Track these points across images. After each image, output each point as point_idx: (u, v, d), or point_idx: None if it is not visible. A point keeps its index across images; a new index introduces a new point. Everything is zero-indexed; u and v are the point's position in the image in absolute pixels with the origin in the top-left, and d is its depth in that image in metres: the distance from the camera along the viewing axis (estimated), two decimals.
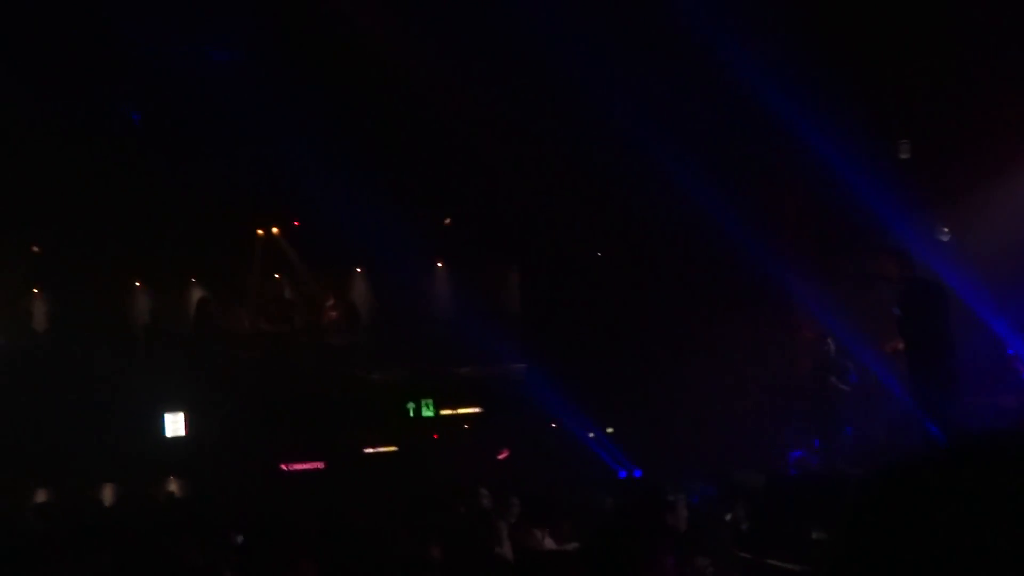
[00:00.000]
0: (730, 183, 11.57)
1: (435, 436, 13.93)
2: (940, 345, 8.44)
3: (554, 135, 12.32)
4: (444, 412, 14.13)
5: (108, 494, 11.88)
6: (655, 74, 10.98)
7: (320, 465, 13.25)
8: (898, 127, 11.79)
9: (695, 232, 12.35)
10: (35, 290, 16.65)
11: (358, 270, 17.04)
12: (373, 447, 13.62)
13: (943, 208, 11.79)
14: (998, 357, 11.37)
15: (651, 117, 11.20)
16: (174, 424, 13.83)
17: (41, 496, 11.47)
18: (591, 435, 12.65)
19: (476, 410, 14.21)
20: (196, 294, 16.27)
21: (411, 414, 14.08)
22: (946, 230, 11.82)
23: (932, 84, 11.42)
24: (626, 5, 10.74)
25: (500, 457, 13.23)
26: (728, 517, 8.27)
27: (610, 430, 12.68)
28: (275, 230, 16.70)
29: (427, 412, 14.09)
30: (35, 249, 15.88)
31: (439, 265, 16.62)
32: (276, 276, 16.97)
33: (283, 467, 13.16)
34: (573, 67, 10.97)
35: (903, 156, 11.73)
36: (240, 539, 8.19)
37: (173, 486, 12.56)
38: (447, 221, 15.61)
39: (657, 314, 13.32)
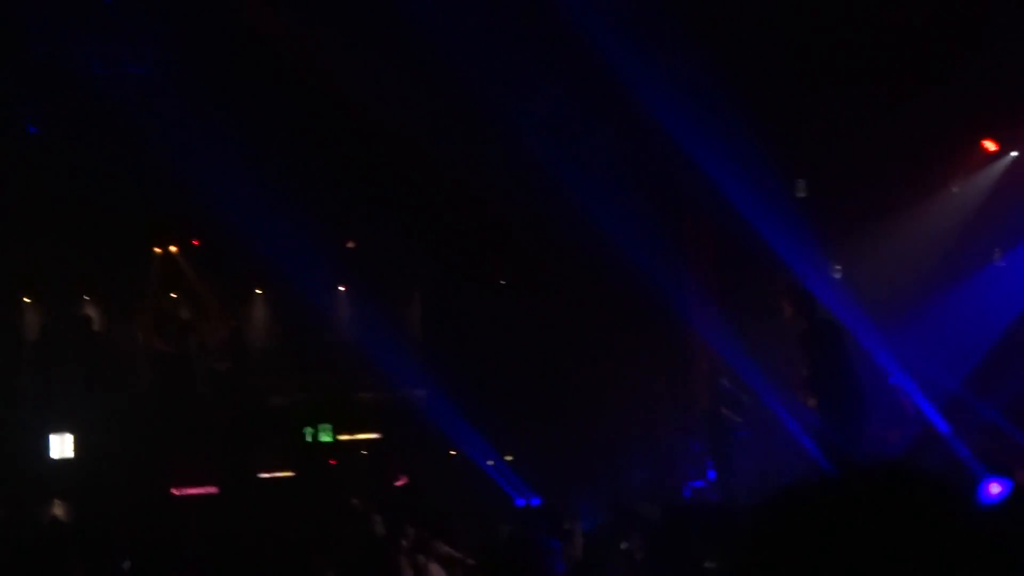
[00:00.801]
0: (634, 216, 11.76)
1: (332, 462, 13.80)
2: (844, 380, 8.65)
3: (459, 160, 12.37)
4: (342, 437, 14.00)
5: None
6: (564, 102, 11.13)
7: (213, 490, 12.99)
8: (795, 166, 12.15)
9: (597, 262, 12.50)
10: None
11: (258, 291, 16.81)
12: (268, 472, 13.41)
13: (834, 246, 12.17)
14: (882, 390, 11.75)
15: (559, 146, 11.34)
16: (61, 445, 13.41)
17: None
18: (490, 462, 12.66)
19: (375, 436, 14.11)
20: (89, 311, 15.84)
21: (308, 439, 13.92)
22: (838, 267, 12.20)
23: (827, 126, 11.82)
24: (532, 31, 10.87)
25: (397, 484, 13.15)
26: (623, 546, 8.36)
27: (509, 458, 12.71)
28: (173, 248, 16.39)
29: (325, 437, 13.94)
30: None
31: (341, 288, 16.50)
32: (172, 295, 16.64)
33: (174, 491, 12.86)
34: (480, 92, 11.05)
35: (799, 195, 12.08)
36: (127, 564, 7.99)
37: (59, 509, 12.16)
38: (350, 244, 15.52)
39: (558, 343, 13.44)
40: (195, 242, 16.23)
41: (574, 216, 11.72)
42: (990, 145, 13.23)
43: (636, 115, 10.88)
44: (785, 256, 10.85)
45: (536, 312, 13.49)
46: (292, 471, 13.44)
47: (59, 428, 13.40)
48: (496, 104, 11.08)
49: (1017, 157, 13.08)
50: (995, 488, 7.96)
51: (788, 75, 11.01)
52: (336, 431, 13.93)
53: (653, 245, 11.85)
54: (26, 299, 16.22)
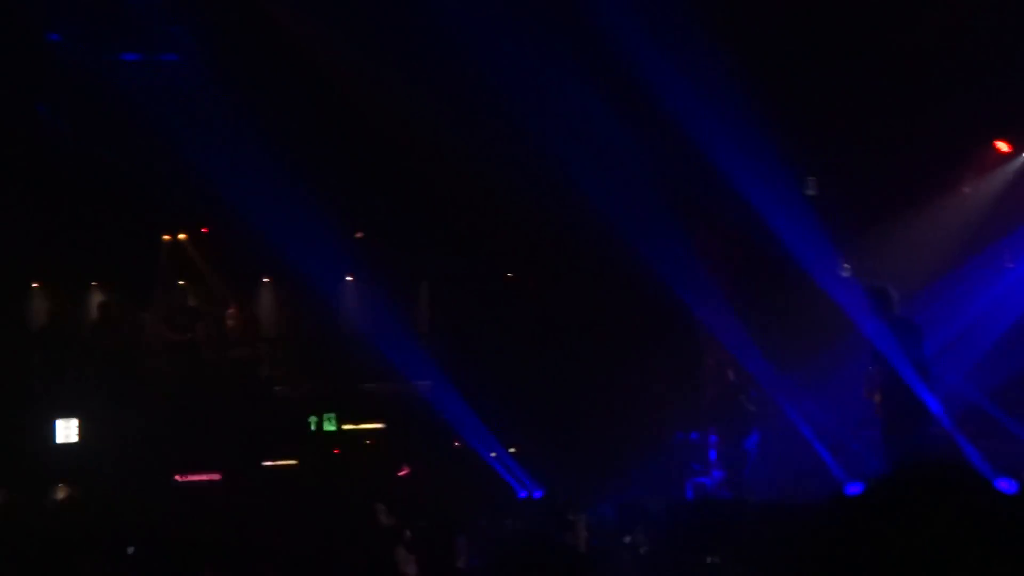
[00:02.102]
0: (645, 211, 11.73)
1: (336, 451, 13.79)
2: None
3: (470, 153, 12.35)
4: (346, 427, 13.99)
5: None
6: (578, 98, 11.11)
7: (216, 477, 12.99)
8: (806, 164, 12.12)
9: (606, 256, 12.49)
10: None
11: (266, 280, 16.79)
12: (272, 460, 13.41)
13: (845, 244, 12.14)
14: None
15: (568, 141, 11.32)
16: (66, 430, 13.42)
17: None
18: (493, 455, 12.66)
19: (379, 426, 14.10)
20: (97, 298, 15.85)
21: (312, 428, 13.92)
22: (847, 265, 12.17)
23: (840, 124, 11.79)
24: (546, 25, 10.84)
25: (400, 474, 13.15)
26: (627, 540, 8.36)
27: (513, 450, 12.71)
28: (182, 236, 16.38)
29: (329, 427, 13.93)
30: None
31: (349, 279, 16.50)
32: (181, 283, 16.64)
33: (177, 478, 12.87)
34: (489, 86, 11.03)
35: (809, 193, 12.05)
36: (131, 550, 7.99)
37: (62, 494, 12.18)
38: (358, 235, 15.51)
39: (564, 336, 13.43)
40: (204, 230, 16.22)
41: (584, 210, 11.71)
42: (1003, 146, 13.18)
43: (648, 110, 10.85)
44: (795, 253, 10.83)
45: (543, 306, 13.49)
46: (295, 460, 13.44)
47: (65, 414, 13.42)
48: (509, 98, 11.06)
49: None
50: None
51: (801, 72, 10.98)
52: (340, 421, 13.93)
53: (664, 240, 11.83)
54: (34, 285, 16.24)
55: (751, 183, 11.10)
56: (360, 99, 12.20)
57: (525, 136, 11.74)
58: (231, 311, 16.20)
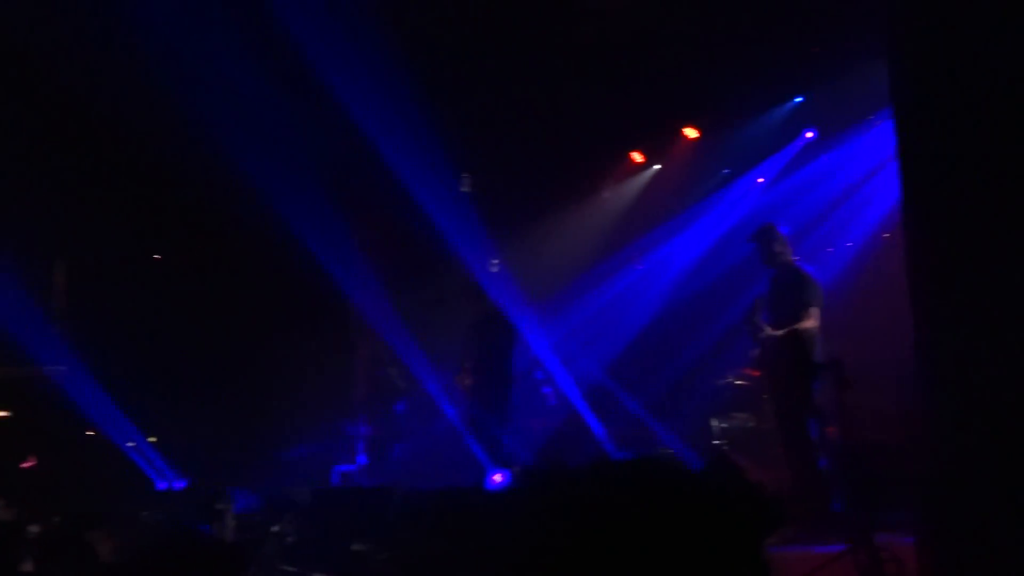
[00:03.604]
0: (305, 199, 11.60)
1: None
2: (500, 373, 9.01)
3: (121, 126, 11.63)
4: None
5: None
6: (234, 76, 10.75)
7: None
8: (463, 162, 12.50)
9: (261, 242, 12.23)
10: None
11: None
12: None
13: (496, 239, 12.66)
14: (531, 380, 12.39)
15: (225, 121, 10.95)
16: None
17: None
18: (131, 444, 12.06)
19: (3, 414, 13.01)
20: None
21: None
22: (496, 261, 12.69)
23: (495, 126, 12.26)
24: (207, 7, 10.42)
25: (25, 465, 12.22)
26: (275, 529, 8.26)
27: (153, 439, 12.17)
28: None
29: None
30: None
31: None
32: None
33: None
34: (141, 55, 10.44)
35: (464, 189, 12.44)
36: None
37: None
38: None
39: (214, 322, 13.00)
40: None
41: (239, 193, 11.37)
42: (638, 157, 14.31)
43: (313, 98, 10.73)
44: (453, 248, 11.15)
45: (195, 289, 12.98)
46: None
47: None
48: (161, 72, 10.50)
49: (660, 169, 14.25)
50: None
51: (462, 70, 11.30)
52: None
53: (321, 228, 11.75)
54: None
55: (411, 176, 11.29)
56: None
57: (178, 112, 11.22)
58: None
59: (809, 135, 12.86)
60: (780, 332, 8.24)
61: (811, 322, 8.26)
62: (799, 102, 12.69)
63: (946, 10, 4.08)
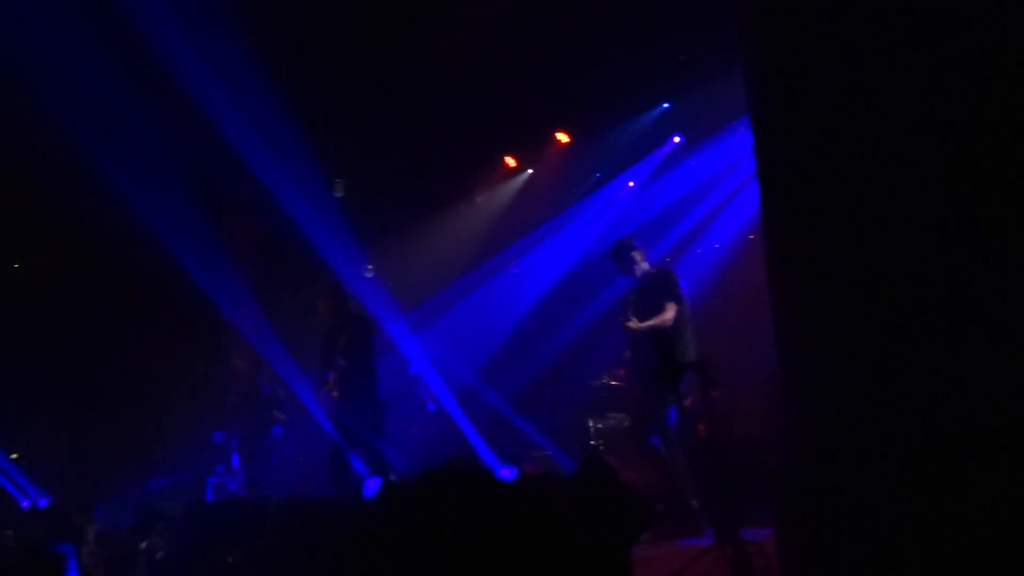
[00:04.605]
0: (174, 206, 11.33)
1: None
2: (367, 377, 8.98)
3: None
4: None
5: None
6: (95, 79, 10.42)
7: None
8: (336, 167, 12.40)
9: (125, 251, 11.88)
10: None
11: None
12: None
13: (370, 245, 12.61)
14: (405, 384, 12.38)
15: (87, 124, 10.61)
16: None
17: None
18: None
19: None
20: None
21: None
22: (370, 267, 12.63)
23: (367, 132, 12.20)
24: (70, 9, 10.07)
25: None
26: (143, 546, 8.05)
27: (15, 456, 11.72)
28: None
29: None
30: None
31: None
32: None
33: None
34: (3, 59, 10.05)
35: (337, 194, 12.34)
36: None
37: None
38: None
39: (76, 334, 12.57)
40: None
41: (105, 201, 11.03)
42: (511, 161, 14.42)
43: (177, 102, 10.48)
44: (325, 254, 11.04)
45: (56, 300, 12.53)
46: None
47: None
48: (24, 72, 10.09)
49: (533, 173, 14.39)
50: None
51: (333, 75, 11.21)
52: None
53: (192, 236, 11.50)
54: None
55: (282, 181, 11.15)
56: None
57: (37, 116, 10.82)
58: None
59: (676, 140, 13.16)
60: (641, 326, 8.47)
61: (668, 315, 8.51)
62: (666, 108, 12.97)
63: (794, 20, 4.22)
